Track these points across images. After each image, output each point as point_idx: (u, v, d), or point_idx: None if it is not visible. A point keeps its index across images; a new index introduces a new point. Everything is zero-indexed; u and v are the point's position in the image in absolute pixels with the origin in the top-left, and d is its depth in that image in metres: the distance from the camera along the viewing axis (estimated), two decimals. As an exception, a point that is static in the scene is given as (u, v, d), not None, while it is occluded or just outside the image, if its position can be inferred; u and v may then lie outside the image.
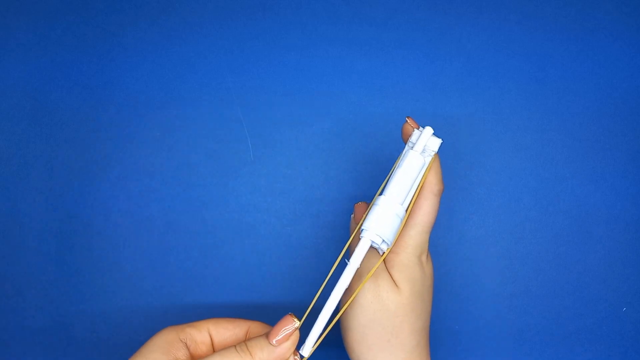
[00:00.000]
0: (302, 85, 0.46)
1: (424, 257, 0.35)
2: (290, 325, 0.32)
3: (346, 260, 0.33)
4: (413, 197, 0.34)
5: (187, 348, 0.34)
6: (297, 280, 0.45)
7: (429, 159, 0.34)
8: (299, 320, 0.32)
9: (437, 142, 0.34)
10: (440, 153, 0.45)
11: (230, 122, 0.45)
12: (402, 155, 0.34)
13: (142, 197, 0.45)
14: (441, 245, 0.45)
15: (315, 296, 0.33)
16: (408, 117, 0.35)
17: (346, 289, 0.33)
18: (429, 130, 0.34)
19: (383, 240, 0.33)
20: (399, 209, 0.33)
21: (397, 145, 0.45)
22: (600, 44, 0.46)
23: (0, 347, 0.45)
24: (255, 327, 0.36)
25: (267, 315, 0.45)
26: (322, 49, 0.46)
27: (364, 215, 0.34)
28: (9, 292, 0.45)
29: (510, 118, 0.46)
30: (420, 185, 0.34)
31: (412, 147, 0.34)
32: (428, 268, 0.36)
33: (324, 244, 0.45)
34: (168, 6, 0.46)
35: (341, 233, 0.45)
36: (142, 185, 0.45)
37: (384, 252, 0.34)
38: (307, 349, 0.32)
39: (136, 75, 0.46)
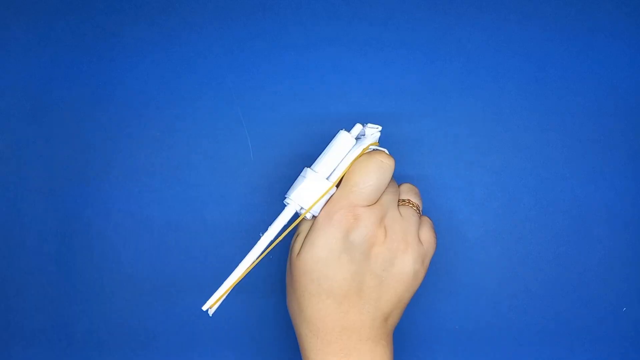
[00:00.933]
0: (301, 85, 0.46)
1: (357, 225, 0.33)
2: None
3: (260, 234, 0.35)
4: (342, 173, 0.35)
5: None
6: (297, 280, 0.45)
7: (365, 141, 0.35)
8: None
9: (375, 130, 0.36)
10: (442, 152, 0.45)
11: (230, 122, 0.45)
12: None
13: (142, 197, 0.45)
14: (441, 245, 0.45)
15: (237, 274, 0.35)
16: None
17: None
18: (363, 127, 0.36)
19: (302, 208, 0.34)
20: (324, 181, 0.34)
21: (397, 146, 0.45)
22: (600, 44, 0.46)
23: None
24: None
25: (267, 316, 0.45)
26: (321, 49, 0.46)
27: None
28: (8, 292, 0.45)
29: (510, 118, 0.46)
30: (351, 163, 0.35)
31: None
32: (356, 234, 0.33)
33: (324, 244, 0.45)
34: (168, 6, 0.46)
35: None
36: (142, 185, 0.45)
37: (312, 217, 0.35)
38: (209, 303, 0.35)
39: (136, 75, 0.46)
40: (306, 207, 0.34)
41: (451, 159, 0.45)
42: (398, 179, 0.46)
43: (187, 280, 0.45)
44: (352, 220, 0.33)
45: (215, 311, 0.35)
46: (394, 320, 0.36)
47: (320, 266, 0.33)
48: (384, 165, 0.34)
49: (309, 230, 0.35)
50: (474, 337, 0.45)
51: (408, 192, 0.38)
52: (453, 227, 0.45)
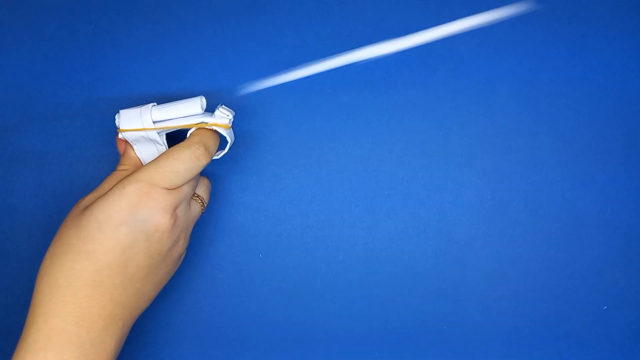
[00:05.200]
0: (293, 84, 0.46)
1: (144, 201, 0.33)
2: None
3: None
4: (167, 127, 0.38)
5: None
6: (285, 280, 0.45)
7: (208, 119, 0.37)
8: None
9: (226, 114, 0.38)
10: (432, 154, 0.45)
11: (221, 120, 0.45)
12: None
13: (133, 195, 0.45)
14: (430, 247, 0.45)
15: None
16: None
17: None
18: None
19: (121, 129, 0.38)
20: (149, 120, 0.38)
21: (387, 147, 0.45)
22: (592, 48, 0.46)
23: (-12, 342, 0.45)
24: None
25: (257, 315, 0.45)
26: (314, 49, 0.46)
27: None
28: (-3, 288, 0.45)
29: (502, 121, 0.46)
30: (179, 126, 0.38)
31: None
32: (144, 213, 0.33)
33: (314, 243, 0.45)
34: (162, 5, 0.46)
35: (332, 233, 0.45)
36: (133, 183, 0.45)
37: None
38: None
39: (129, 73, 0.46)
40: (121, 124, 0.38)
41: (442, 160, 0.45)
42: (388, 178, 0.47)
43: (174, 277, 0.45)
44: (144, 198, 0.33)
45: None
46: (145, 303, 0.36)
47: (93, 227, 0.33)
48: (198, 160, 0.35)
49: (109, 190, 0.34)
50: (462, 339, 0.45)
51: (203, 187, 0.39)
52: (443, 229, 0.45)
